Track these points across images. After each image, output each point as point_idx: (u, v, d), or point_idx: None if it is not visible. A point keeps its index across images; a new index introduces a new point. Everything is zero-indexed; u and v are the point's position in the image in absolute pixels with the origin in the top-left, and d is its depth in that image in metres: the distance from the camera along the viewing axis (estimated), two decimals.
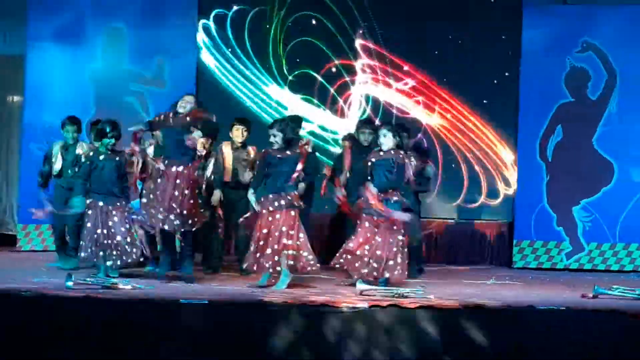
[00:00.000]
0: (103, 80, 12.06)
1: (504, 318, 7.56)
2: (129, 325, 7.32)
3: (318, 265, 8.91)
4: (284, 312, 7.40)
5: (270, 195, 8.82)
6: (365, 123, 10.51)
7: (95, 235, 8.95)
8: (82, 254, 9.02)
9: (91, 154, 9.25)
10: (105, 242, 8.94)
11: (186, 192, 8.95)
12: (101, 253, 8.94)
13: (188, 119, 9.00)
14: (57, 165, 10.11)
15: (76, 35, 12.05)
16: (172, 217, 8.90)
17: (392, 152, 8.85)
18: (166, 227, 8.95)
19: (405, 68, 12.08)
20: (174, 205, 8.89)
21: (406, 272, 8.81)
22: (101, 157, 9.11)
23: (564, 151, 11.62)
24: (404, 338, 7.29)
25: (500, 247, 11.90)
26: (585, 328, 7.37)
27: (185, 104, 9.06)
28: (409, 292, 8.19)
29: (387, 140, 8.86)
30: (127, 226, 9.02)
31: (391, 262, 8.70)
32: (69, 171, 10.09)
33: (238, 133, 10.11)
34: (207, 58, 12.35)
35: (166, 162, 9.00)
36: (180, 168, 8.95)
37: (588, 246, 11.54)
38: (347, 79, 12.14)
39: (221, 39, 12.32)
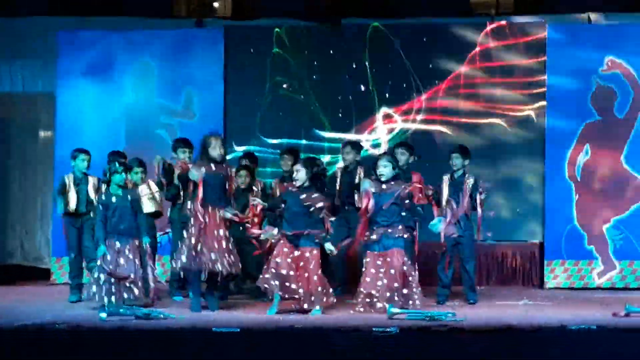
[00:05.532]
0: (133, 114, 12.23)
1: (536, 339, 7.54)
2: (164, 355, 7.39)
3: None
4: (316, 337, 7.46)
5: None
6: (395, 148, 10.47)
7: (107, 272, 8.96)
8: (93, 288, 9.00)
9: (103, 197, 9.10)
10: (115, 277, 8.95)
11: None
12: (107, 288, 8.93)
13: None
14: (72, 203, 9.95)
15: (105, 71, 12.24)
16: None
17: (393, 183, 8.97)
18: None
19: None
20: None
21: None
22: (114, 199, 9.05)
23: (592, 170, 11.60)
24: None
25: (531, 268, 11.87)
26: (616, 347, 7.32)
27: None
28: (439, 315, 8.22)
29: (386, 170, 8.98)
30: (139, 263, 9.04)
31: (405, 291, 8.81)
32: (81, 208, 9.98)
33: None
34: None
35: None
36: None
37: (620, 264, 11.49)
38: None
39: None
